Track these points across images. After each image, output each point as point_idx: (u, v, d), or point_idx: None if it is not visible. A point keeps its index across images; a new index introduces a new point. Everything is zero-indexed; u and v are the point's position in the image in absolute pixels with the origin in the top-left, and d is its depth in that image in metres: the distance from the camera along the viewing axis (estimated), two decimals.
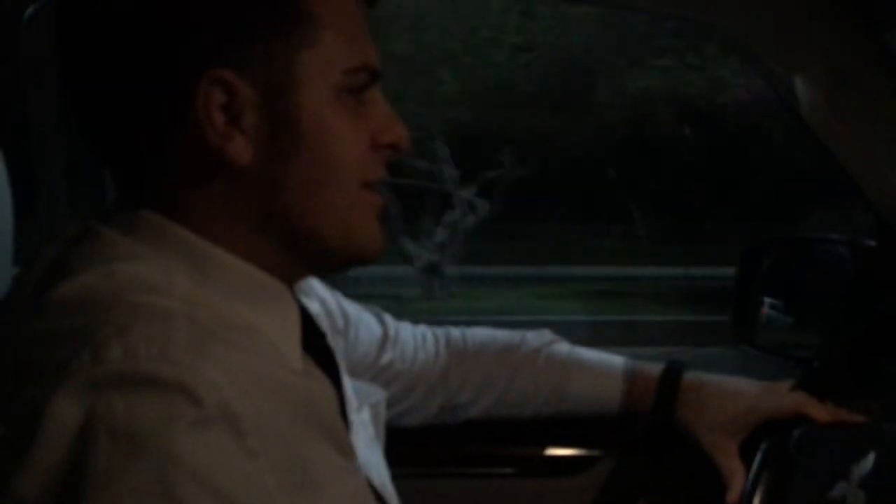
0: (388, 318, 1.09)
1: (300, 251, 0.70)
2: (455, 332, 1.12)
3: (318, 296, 0.95)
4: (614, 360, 1.10)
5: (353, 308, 1.03)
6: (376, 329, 1.06)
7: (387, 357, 1.05)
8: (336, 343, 0.93)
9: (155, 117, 0.65)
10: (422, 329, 1.12)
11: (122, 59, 0.64)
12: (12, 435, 0.55)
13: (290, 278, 0.72)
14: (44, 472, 0.53)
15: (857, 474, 0.89)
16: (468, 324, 1.16)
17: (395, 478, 0.84)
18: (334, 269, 0.74)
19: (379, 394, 0.90)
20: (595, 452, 1.17)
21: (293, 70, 0.65)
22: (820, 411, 0.99)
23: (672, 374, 1.06)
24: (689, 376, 1.06)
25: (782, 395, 1.02)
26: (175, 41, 0.63)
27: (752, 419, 1.02)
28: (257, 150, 0.65)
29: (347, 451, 0.71)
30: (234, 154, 0.65)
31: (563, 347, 1.11)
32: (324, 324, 0.89)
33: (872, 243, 1.15)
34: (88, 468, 0.53)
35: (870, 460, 0.90)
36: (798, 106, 1.04)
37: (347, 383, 0.83)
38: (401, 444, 0.91)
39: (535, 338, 1.11)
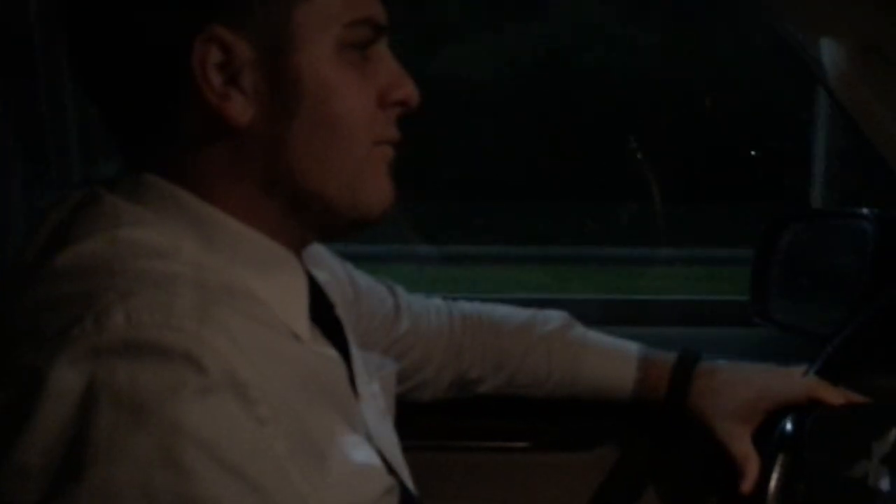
0: (401, 290, 1.07)
1: (306, 214, 0.68)
2: (470, 306, 1.11)
3: (329, 266, 0.94)
4: (629, 346, 1.08)
5: (364, 279, 1.02)
6: (388, 301, 1.04)
7: (399, 329, 1.04)
8: (347, 314, 0.92)
9: (154, 79, 0.63)
10: (436, 302, 1.10)
11: (117, 20, 0.63)
12: (13, 402, 0.54)
13: (297, 244, 0.71)
14: (45, 439, 0.52)
15: (878, 452, 0.88)
16: None
17: (407, 450, 0.83)
18: (341, 231, 0.73)
19: (390, 365, 0.89)
20: (609, 427, 1.16)
21: (291, 25, 0.64)
22: (833, 395, 0.98)
23: (686, 363, 1.05)
24: (702, 364, 1.05)
25: (795, 381, 1.01)
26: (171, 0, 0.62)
27: (765, 405, 1.01)
28: (258, 110, 0.64)
29: (356, 423, 0.70)
30: (234, 114, 0.63)
31: (579, 331, 1.09)
32: (335, 294, 0.87)
33: None
34: (90, 436, 0.52)
35: (891, 437, 0.88)
36: (823, 74, 1.01)
37: (357, 355, 0.81)
38: (413, 416, 0.90)
39: (551, 319, 1.09)
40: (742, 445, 1.01)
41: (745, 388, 1.02)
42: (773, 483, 0.95)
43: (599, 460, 1.16)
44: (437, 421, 1.12)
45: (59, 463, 0.52)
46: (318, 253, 0.92)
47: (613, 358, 1.07)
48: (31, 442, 0.52)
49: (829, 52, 0.99)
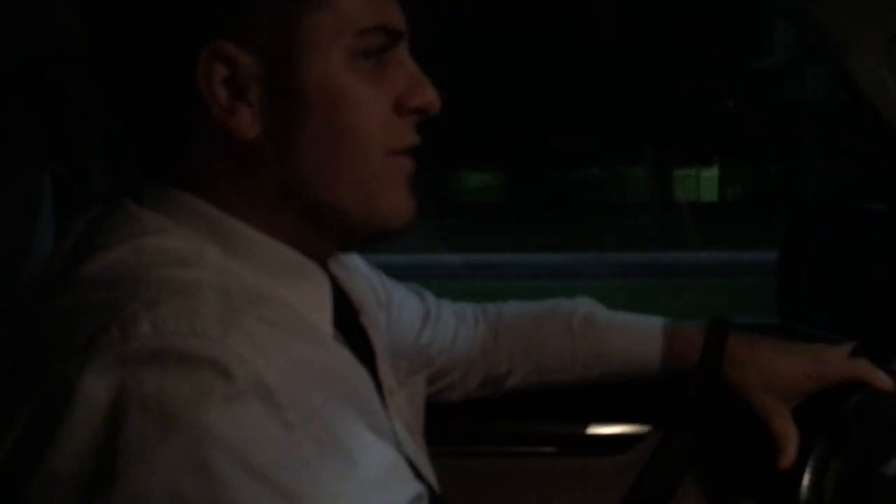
0: (430, 296, 1.08)
1: (322, 225, 0.68)
2: (492, 306, 1.11)
3: (358, 272, 0.94)
4: (653, 319, 1.07)
5: (394, 286, 1.02)
6: (418, 307, 1.05)
7: (428, 335, 1.04)
8: (375, 320, 0.92)
9: (163, 94, 0.64)
10: (462, 306, 1.10)
11: (126, 36, 0.64)
12: (43, 411, 0.54)
13: (319, 254, 0.71)
14: (75, 448, 0.53)
15: None
16: None
17: (436, 456, 0.83)
18: (360, 242, 0.72)
19: (419, 371, 0.88)
20: (639, 430, 1.15)
21: (298, 36, 0.63)
22: (883, 380, 0.94)
23: (718, 331, 1.02)
24: (738, 334, 1.02)
25: (842, 361, 0.97)
26: (172, 15, 0.62)
27: (809, 385, 0.97)
28: (265, 124, 0.64)
29: (382, 429, 0.69)
30: (241, 128, 0.63)
31: (600, 310, 1.08)
32: (362, 300, 0.87)
33: None
34: (120, 445, 0.52)
35: None
36: (853, 74, 1.00)
37: (385, 361, 0.81)
38: (439, 421, 0.90)
39: (571, 303, 1.09)
40: (782, 421, 0.97)
41: (788, 363, 0.98)
42: (807, 471, 0.92)
43: (627, 465, 1.15)
44: (464, 426, 1.12)
45: (89, 471, 0.52)
46: (347, 258, 0.92)
47: (638, 330, 1.06)
48: (62, 451, 0.53)
49: (859, 53, 0.98)
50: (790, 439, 0.96)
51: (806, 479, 0.91)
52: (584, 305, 1.08)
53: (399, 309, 1.01)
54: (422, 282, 1.10)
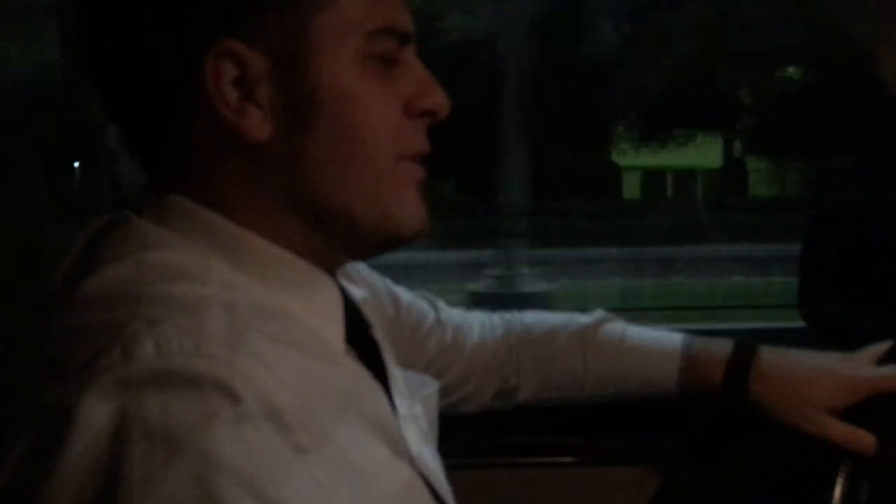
0: (442, 304, 1.05)
1: (331, 231, 0.66)
2: (507, 315, 1.08)
3: (367, 282, 0.92)
4: (672, 337, 1.02)
5: (404, 294, 1.00)
6: (430, 315, 1.02)
7: (441, 344, 1.02)
8: (386, 332, 0.89)
9: (169, 95, 0.62)
10: (475, 314, 1.08)
11: (130, 36, 0.62)
12: (42, 438, 0.52)
13: (328, 263, 0.69)
14: (76, 477, 0.50)
15: None
16: None
17: (451, 467, 0.80)
18: (372, 250, 0.70)
19: (431, 384, 0.86)
20: (659, 439, 1.12)
21: (308, 36, 0.62)
22: None
23: (743, 351, 0.97)
24: (767, 352, 0.97)
25: (886, 369, 0.92)
26: (180, 13, 0.60)
27: (850, 394, 0.92)
28: (275, 125, 0.62)
29: (397, 445, 0.67)
30: (250, 130, 0.62)
31: (617, 326, 1.05)
32: (373, 312, 0.85)
33: None
34: (123, 473, 0.50)
35: None
36: (881, 76, 0.98)
37: (397, 375, 0.79)
38: (457, 432, 0.88)
39: (587, 317, 1.06)
40: (831, 425, 0.91)
41: (825, 374, 0.93)
42: (838, 484, 0.89)
43: (649, 474, 1.12)
44: (482, 437, 1.10)
45: (91, 501, 0.50)
46: (356, 269, 0.90)
47: (654, 350, 1.02)
48: (62, 480, 0.50)
49: (888, 55, 0.95)
50: (852, 434, 0.90)
51: (837, 493, 0.88)
52: (601, 320, 1.05)
53: (410, 318, 0.98)
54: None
